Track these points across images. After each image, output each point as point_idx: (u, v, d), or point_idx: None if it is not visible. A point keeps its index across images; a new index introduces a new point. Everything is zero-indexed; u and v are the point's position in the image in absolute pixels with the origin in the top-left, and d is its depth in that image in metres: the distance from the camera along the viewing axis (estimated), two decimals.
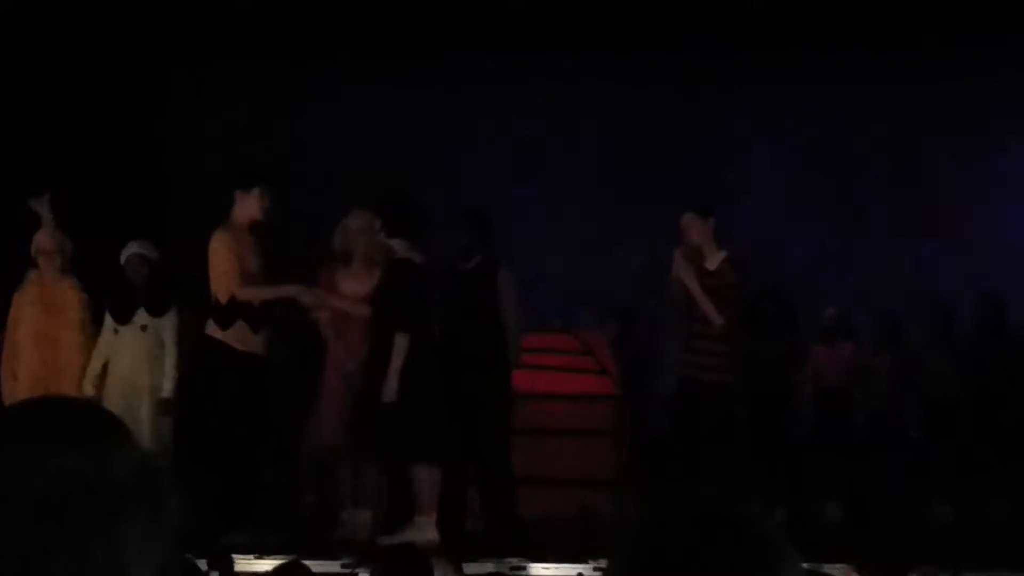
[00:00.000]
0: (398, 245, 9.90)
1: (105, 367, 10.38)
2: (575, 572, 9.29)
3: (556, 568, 9.55)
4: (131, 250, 10.40)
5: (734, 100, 13.03)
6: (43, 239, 10.39)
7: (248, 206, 10.21)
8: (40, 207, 10.39)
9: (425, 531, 9.71)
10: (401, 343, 9.66)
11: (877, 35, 12.58)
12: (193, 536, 8.41)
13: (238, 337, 10.11)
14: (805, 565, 1.67)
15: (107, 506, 1.63)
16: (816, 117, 13.23)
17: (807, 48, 12.56)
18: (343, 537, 10.09)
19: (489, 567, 9.38)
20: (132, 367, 10.29)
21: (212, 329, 10.12)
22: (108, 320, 10.36)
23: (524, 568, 9.59)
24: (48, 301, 10.40)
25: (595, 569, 9.08)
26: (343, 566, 9.36)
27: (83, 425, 1.70)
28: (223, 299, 10.11)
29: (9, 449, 1.64)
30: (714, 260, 10.24)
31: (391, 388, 9.59)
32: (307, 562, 9.27)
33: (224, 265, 10.08)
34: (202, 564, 7.52)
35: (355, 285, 10.39)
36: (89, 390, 10.24)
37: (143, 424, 10.01)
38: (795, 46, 12.46)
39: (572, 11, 12.06)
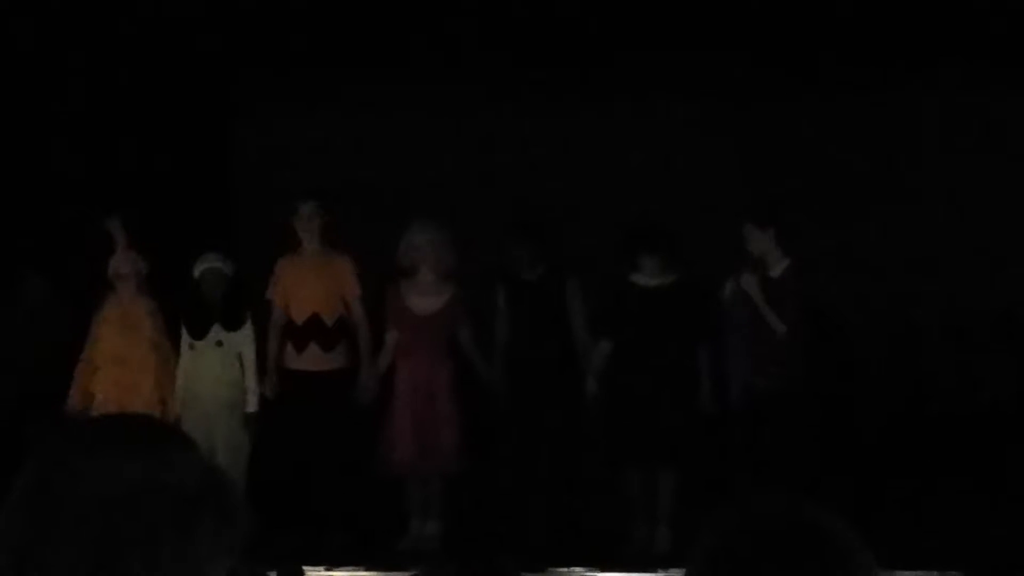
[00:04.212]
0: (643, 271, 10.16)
1: None
2: None
3: None
4: (205, 264, 10.40)
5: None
6: (118, 263, 10.42)
7: (302, 228, 10.35)
8: (113, 228, 10.44)
9: None
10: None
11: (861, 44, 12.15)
12: (263, 547, 8.45)
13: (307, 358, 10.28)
14: (882, 573, 1.67)
15: (177, 511, 1.65)
16: None
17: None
18: (411, 548, 10.09)
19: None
20: (209, 382, 10.30)
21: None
22: (184, 336, 10.39)
23: None
24: (125, 322, 10.42)
25: None
26: None
27: (149, 435, 1.73)
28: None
29: (82, 458, 1.67)
30: (777, 268, 10.22)
31: (591, 388, 10.13)
32: (377, 573, 9.32)
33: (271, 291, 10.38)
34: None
35: (425, 301, 10.34)
36: (177, 409, 10.27)
37: (220, 439, 10.04)
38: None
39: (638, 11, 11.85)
